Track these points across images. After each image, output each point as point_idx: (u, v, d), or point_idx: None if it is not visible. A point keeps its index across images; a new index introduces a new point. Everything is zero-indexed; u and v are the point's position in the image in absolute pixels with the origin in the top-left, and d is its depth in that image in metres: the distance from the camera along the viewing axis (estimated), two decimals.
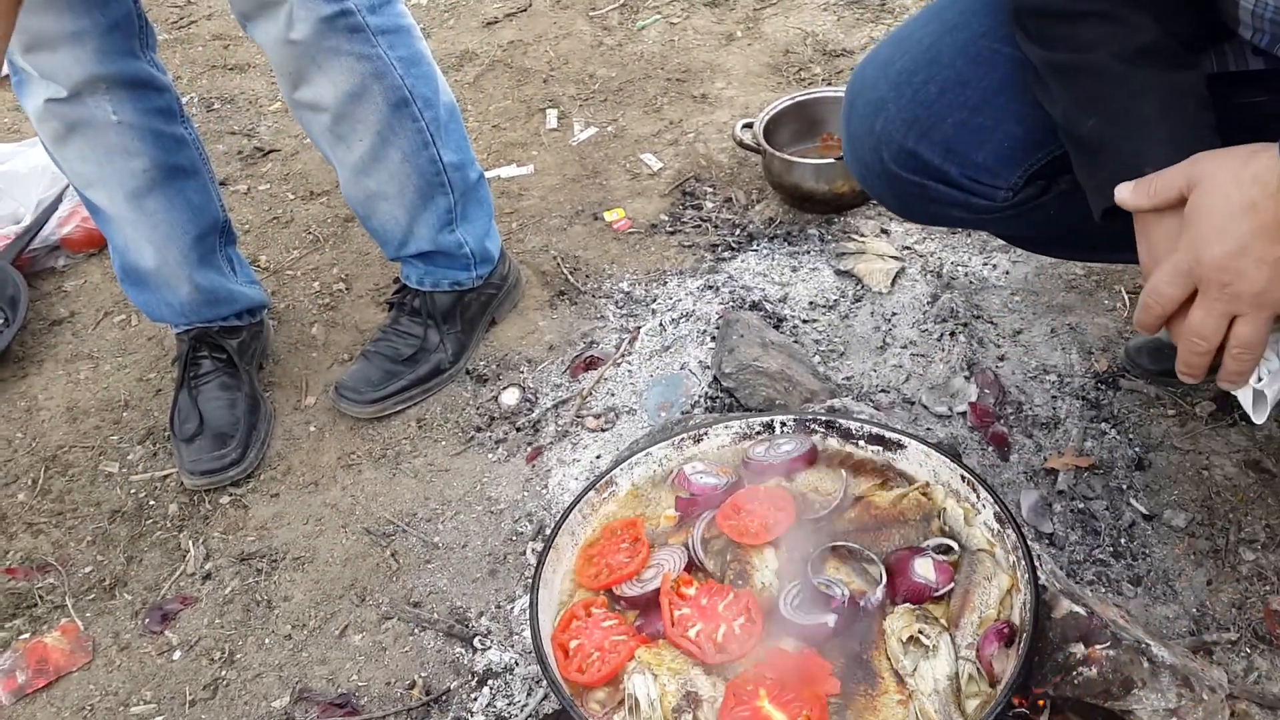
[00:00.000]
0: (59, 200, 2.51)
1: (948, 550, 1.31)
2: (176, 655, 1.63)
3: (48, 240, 2.50)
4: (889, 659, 1.21)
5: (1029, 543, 1.26)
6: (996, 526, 1.31)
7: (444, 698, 1.49)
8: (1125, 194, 1.08)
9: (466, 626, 1.58)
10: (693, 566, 1.36)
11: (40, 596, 1.74)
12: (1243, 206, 0.96)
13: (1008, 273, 2.01)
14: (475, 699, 1.48)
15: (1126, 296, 1.91)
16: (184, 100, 3.06)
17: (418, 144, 1.82)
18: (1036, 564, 1.25)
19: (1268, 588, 1.43)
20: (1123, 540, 1.52)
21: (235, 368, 1.98)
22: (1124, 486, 1.59)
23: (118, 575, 1.76)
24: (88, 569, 1.78)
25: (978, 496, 1.34)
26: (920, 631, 1.20)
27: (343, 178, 1.88)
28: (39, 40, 1.63)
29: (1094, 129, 1.15)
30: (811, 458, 1.47)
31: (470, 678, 1.51)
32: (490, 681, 1.49)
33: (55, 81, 1.68)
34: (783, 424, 1.51)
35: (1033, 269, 2.01)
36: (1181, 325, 1.04)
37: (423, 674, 1.53)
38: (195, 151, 1.90)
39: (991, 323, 1.91)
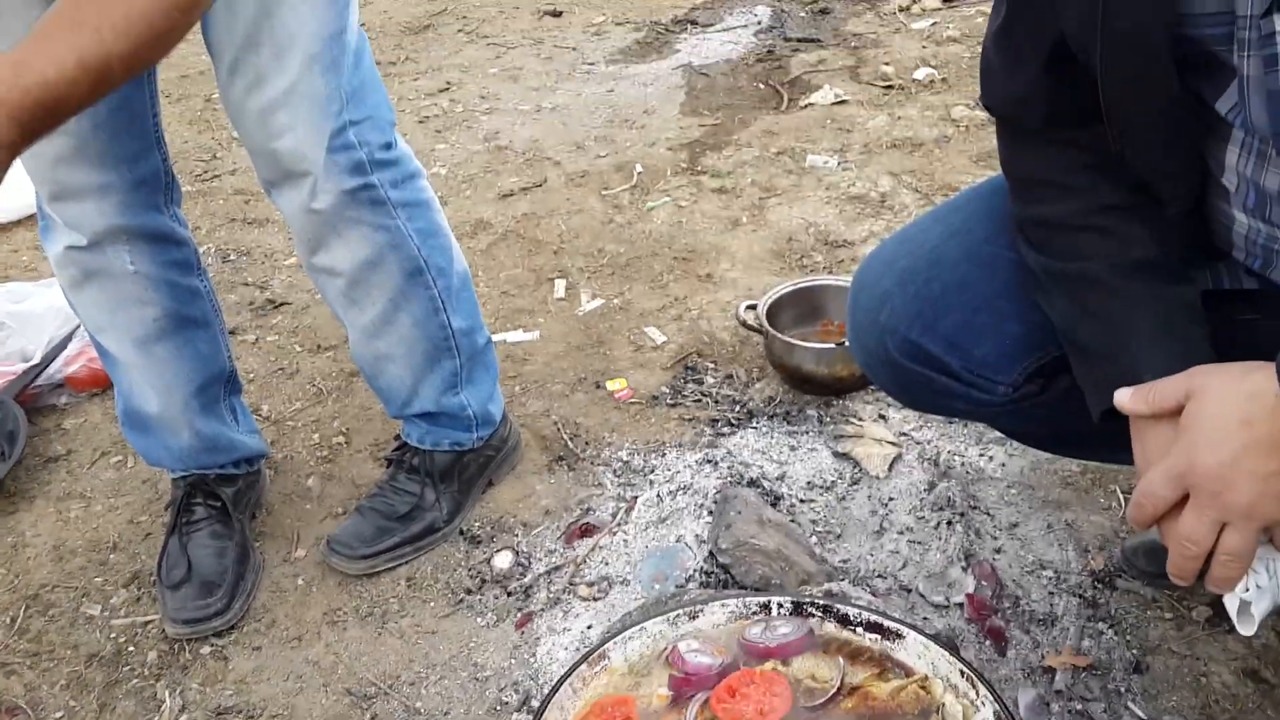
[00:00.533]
0: (68, 340, 2.54)
1: None
2: None
3: (52, 378, 2.52)
4: None
5: None
6: None
7: None
8: (1124, 399, 1.11)
9: None
10: None
11: None
12: (1238, 420, 0.99)
13: (1004, 465, 2.03)
14: None
15: (1121, 496, 1.92)
16: (201, 250, 3.13)
17: (429, 310, 1.86)
18: None
19: None
20: None
21: (228, 516, 1.96)
22: (1122, 689, 1.57)
23: None
24: (59, 714, 1.72)
25: (977, 694, 1.32)
26: None
27: (353, 338, 1.91)
28: (66, 191, 1.67)
29: (1092, 336, 1.19)
30: (808, 642, 1.45)
31: None
32: None
33: (78, 231, 1.71)
34: (780, 605, 1.50)
35: (1029, 463, 2.03)
36: (1173, 527, 1.06)
37: None
38: (208, 303, 1.93)
39: (988, 514, 1.92)
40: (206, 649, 1.81)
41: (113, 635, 1.86)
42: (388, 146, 1.74)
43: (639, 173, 3.45)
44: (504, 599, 1.86)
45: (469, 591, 1.88)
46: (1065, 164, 1.22)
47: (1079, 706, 1.54)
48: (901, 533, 1.89)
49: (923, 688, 1.37)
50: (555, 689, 1.39)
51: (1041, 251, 1.25)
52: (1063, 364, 1.28)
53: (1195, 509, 1.02)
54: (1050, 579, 1.76)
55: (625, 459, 2.17)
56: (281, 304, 2.88)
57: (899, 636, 1.43)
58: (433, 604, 1.87)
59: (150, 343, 1.83)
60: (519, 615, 1.82)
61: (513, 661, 1.73)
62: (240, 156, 3.77)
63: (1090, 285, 1.19)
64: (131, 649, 1.83)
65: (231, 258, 3.15)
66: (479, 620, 1.82)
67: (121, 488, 2.23)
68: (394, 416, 2.05)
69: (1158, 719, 1.52)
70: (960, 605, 1.72)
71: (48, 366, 2.50)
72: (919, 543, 1.86)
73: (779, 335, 2.30)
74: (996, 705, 1.29)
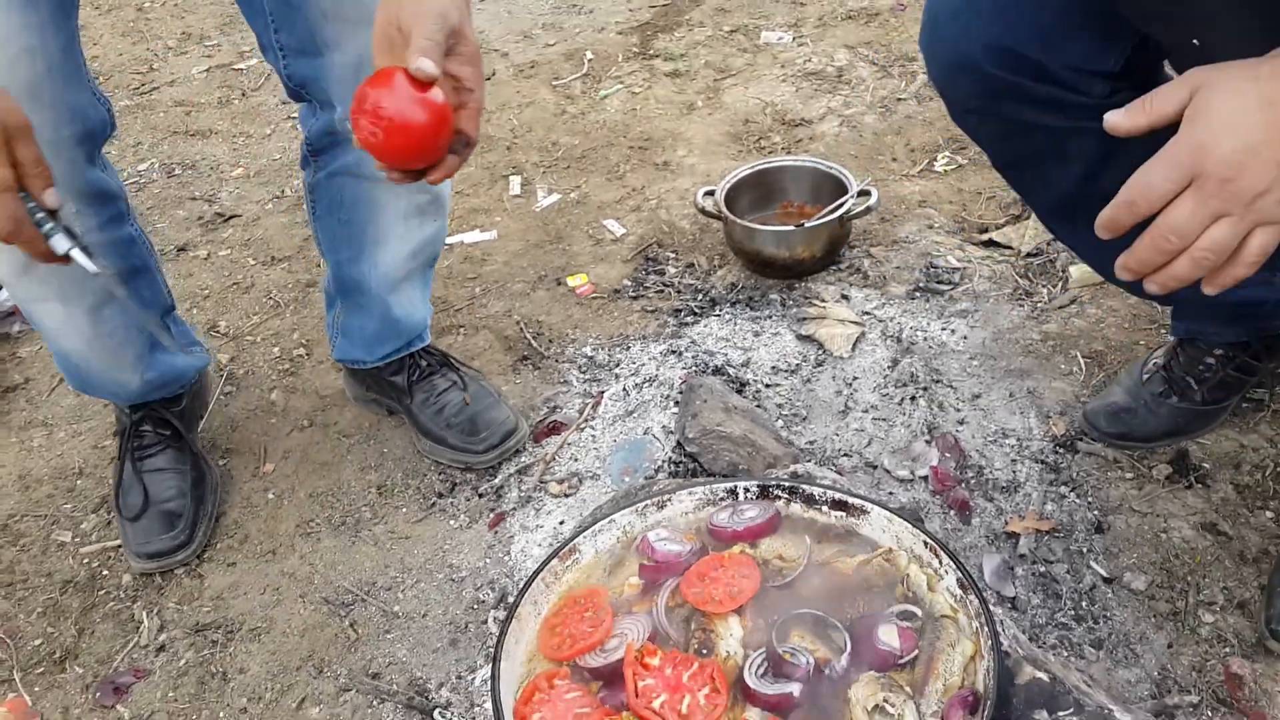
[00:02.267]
0: None
1: (911, 616, 1.31)
2: None
3: (3, 305, 2.47)
4: None
5: (991, 609, 1.26)
6: (959, 593, 1.31)
7: None
8: (1118, 118, 1.01)
9: (426, 698, 1.55)
10: (656, 636, 1.35)
11: None
12: (1259, 102, 0.92)
13: (965, 338, 2.04)
14: None
15: (1082, 360, 1.94)
16: (145, 166, 3.08)
17: (446, 214, 1.87)
18: (999, 630, 1.25)
19: (1227, 650, 1.44)
20: (1084, 604, 1.53)
21: (180, 438, 1.93)
22: (1084, 550, 1.60)
23: (68, 647, 1.71)
24: (37, 641, 1.73)
25: (940, 562, 1.34)
26: (885, 700, 1.20)
27: (391, 258, 1.81)
28: None
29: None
30: (775, 524, 1.47)
31: None
32: None
33: None
34: (746, 490, 1.51)
35: (990, 334, 2.03)
36: (1160, 220, 0.97)
37: None
38: (142, 245, 1.82)
39: (951, 387, 1.93)
40: (181, 569, 1.82)
41: (85, 560, 1.86)
42: None
43: (589, 60, 3.37)
44: (476, 500, 1.87)
45: (440, 495, 1.89)
46: None
47: (1042, 569, 1.57)
48: (866, 411, 1.91)
49: (887, 560, 1.39)
50: (527, 584, 1.41)
51: None
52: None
53: (1197, 196, 0.94)
54: (1012, 446, 1.78)
55: (590, 354, 2.16)
56: (231, 216, 2.83)
57: (863, 512, 1.44)
58: (405, 510, 1.88)
59: (101, 308, 1.71)
60: (491, 515, 1.83)
61: (487, 561, 1.75)
62: (178, 66, 3.66)
63: None
64: (105, 573, 1.84)
65: (176, 172, 3.07)
66: (452, 523, 1.83)
67: (83, 413, 2.21)
68: (396, 351, 1.97)
69: (1119, 576, 1.55)
70: (925, 478, 1.74)
71: None
72: (883, 419, 1.88)
73: (738, 220, 2.28)
74: (959, 573, 1.31)
